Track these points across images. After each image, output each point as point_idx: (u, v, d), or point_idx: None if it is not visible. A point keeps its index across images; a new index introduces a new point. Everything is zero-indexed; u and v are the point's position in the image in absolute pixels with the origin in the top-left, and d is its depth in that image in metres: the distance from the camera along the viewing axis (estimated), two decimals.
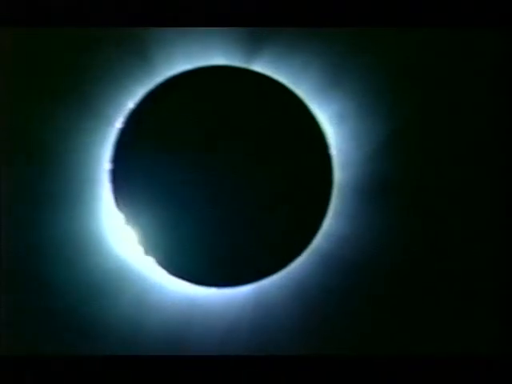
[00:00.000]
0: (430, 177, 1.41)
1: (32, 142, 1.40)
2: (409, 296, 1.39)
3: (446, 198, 1.40)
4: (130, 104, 1.43)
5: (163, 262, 1.43)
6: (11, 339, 1.38)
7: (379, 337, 1.37)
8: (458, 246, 1.39)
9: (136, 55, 1.41)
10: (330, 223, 1.43)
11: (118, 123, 1.43)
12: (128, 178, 1.43)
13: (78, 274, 1.40)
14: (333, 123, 1.44)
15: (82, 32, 1.38)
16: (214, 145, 1.43)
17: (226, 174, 1.43)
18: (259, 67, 1.44)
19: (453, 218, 1.40)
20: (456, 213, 1.40)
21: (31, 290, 1.39)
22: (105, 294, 1.40)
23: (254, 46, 1.42)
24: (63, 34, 1.39)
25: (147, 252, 1.43)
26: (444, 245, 1.40)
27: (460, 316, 1.37)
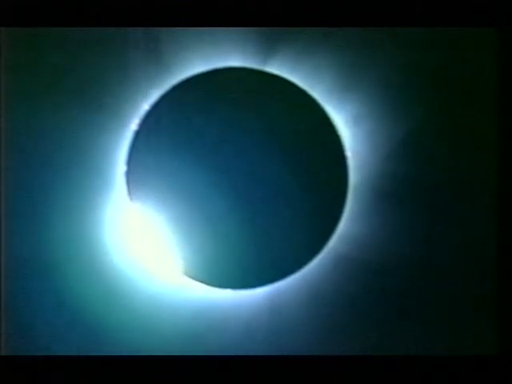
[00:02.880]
0: (445, 178, 1.49)
1: (46, 144, 1.47)
2: (424, 297, 1.48)
3: (461, 199, 1.48)
4: (146, 106, 1.50)
5: (179, 264, 1.51)
6: (21, 339, 1.46)
7: (393, 338, 1.46)
8: (473, 247, 1.46)
9: (151, 56, 1.48)
10: (345, 225, 1.51)
11: (134, 125, 1.50)
12: (144, 179, 1.51)
13: (92, 275, 1.48)
14: (348, 125, 1.51)
15: (97, 33, 1.45)
16: (229, 146, 1.51)
17: (241, 176, 1.51)
18: (274, 69, 1.51)
19: (468, 219, 1.48)
20: (471, 214, 1.47)
21: (42, 291, 1.47)
22: (120, 296, 1.49)
23: (269, 48, 1.49)
24: (78, 35, 1.46)
25: (162, 253, 1.51)
26: (459, 246, 1.48)
27: (473, 317, 1.45)
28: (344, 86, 1.50)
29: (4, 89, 1.46)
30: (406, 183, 1.50)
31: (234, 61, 1.51)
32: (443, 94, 1.48)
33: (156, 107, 1.51)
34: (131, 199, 1.51)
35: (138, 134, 1.51)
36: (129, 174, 1.51)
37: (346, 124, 1.52)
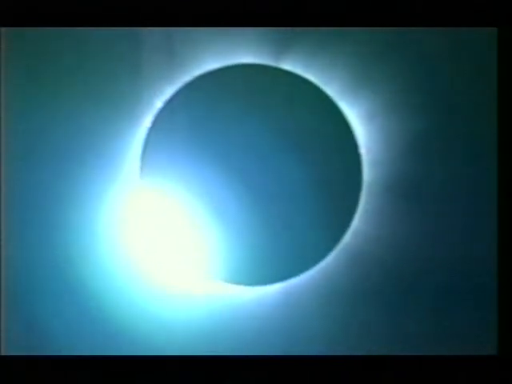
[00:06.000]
0: (459, 176, 1.58)
1: (59, 143, 1.56)
2: (437, 295, 1.57)
3: (474, 198, 1.57)
4: (159, 103, 1.58)
5: (192, 261, 1.59)
6: (34, 339, 1.53)
7: (404, 337, 1.55)
8: (476, 245, 1.55)
9: (164, 54, 1.57)
10: (359, 221, 1.60)
11: (147, 122, 1.58)
12: (158, 176, 1.59)
13: (105, 275, 1.56)
14: (362, 122, 1.59)
15: (110, 31, 1.54)
16: (243, 143, 1.59)
17: (254, 173, 1.59)
18: (289, 66, 1.59)
19: (480, 218, 1.57)
20: (482, 212, 1.56)
21: (55, 291, 1.55)
22: (133, 294, 1.57)
23: (283, 45, 1.57)
24: (91, 34, 1.55)
25: (175, 250, 1.59)
26: (464, 244, 1.57)
27: (473, 317, 1.54)
28: (358, 83, 1.59)
29: (12, 88, 1.55)
30: (419, 180, 1.58)
31: (248, 58, 1.59)
32: (459, 91, 1.57)
33: (169, 104, 1.59)
34: (146, 195, 1.59)
35: (151, 131, 1.59)
36: (143, 170, 1.59)
37: (360, 121, 1.60)
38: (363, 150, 1.61)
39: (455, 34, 1.54)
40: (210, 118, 1.60)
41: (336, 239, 1.61)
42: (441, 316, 1.56)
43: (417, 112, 1.59)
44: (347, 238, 1.61)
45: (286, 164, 1.61)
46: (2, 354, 1.51)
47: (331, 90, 1.61)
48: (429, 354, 1.47)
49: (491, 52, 1.51)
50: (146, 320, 1.57)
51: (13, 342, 1.53)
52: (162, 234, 1.61)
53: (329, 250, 1.60)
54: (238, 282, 1.60)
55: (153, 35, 1.57)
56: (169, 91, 1.60)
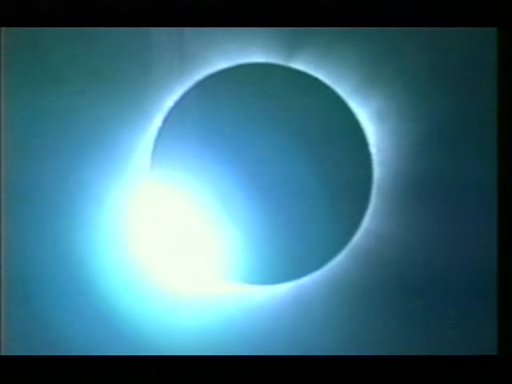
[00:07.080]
0: (469, 175, 1.59)
1: (70, 142, 1.59)
2: (438, 295, 1.59)
3: (484, 198, 1.58)
4: (170, 102, 1.61)
5: (201, 261, 1.62)
6: (34, 339, 1.55)
7: (413, 337, 1.57)
8: (486, 245, 1.56)
9: (175, 54, 1.60)
10: (369, 221, 1.62)
11: (158, 122, 1.61)
12: (169, 175, 1.62)
13: (112, 273, 1.59)
14: (372, 121, 1.62)
15: (121, 31, 1.57)
16: (253, 143, 1.61)
17: (264, 172, 1.61)
18: (299, 65, 1.62)
19: (484, 217, 1.58)
20: (488, 211, 1.57)
21: (57, 289, 1.56)
22: (140, 293, 1.60)
23: (293, 44, 1.60)
24: (102, 34, 1.58)
25: (184, 250, 1.62)
26: (480, 244, 1.58)
27: (473, 317, 1.56)
28: (368, 83, 1.61)
29: (14, 88, 1.58)
30: (430, 180, 1.60)
31: (258, 57, 1.62)
32: (469, 91, 1.59)
33: (180, 104, 1.62)
34: (156, 195, 1.62)
35: (162, 131, 1.61)
36: (154, 169, 1.61)
37: (371, 120, 1.62)
38: (373, 149, 1.63)
39: (455, 34, 1.57)
40: (220, 117, 1.63)
41: (346, 239, 1.63)
42: (441, 316, 1.58)
43: (426, 112, 1.61)
44: (357, 237, 1.63)
45: (296, 163, 1.63)
46: (2, 353, 1.53)
47: (341, 90, 1.63)
48: (429, 354, 1.48)
49: (491, 52, 1.52)
50: (155, 320, 1.59)
51: (13, 342, 1.55)
52: (172, 233, 1.64)
53: (339, 249, 1.62)
54: (248, 281, 1.62)
55: (163, 35, 1.60)
56: (179, 91, 1.62)
